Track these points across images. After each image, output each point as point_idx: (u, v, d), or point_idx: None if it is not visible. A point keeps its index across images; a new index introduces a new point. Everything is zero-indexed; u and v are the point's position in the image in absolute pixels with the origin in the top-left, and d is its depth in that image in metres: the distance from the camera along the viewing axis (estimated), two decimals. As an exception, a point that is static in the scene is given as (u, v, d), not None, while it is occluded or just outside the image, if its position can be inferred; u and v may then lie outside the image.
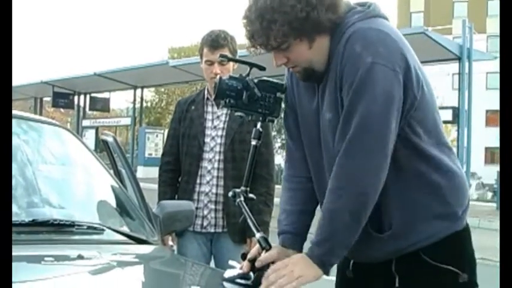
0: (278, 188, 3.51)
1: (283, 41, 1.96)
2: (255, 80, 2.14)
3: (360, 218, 1.93)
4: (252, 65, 2.20)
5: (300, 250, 2.13)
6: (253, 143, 2.17)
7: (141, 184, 2.83)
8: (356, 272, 2.22)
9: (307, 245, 2.07)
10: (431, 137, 2.04)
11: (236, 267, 2.11)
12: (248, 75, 2.17)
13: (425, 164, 2.02)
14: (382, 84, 1.87)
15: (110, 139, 2.89)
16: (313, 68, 2.03)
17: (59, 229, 2.22)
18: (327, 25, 1.96)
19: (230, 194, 2.18)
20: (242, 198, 2.14)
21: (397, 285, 2.07)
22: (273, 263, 2.02)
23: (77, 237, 2.26)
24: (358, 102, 1.88)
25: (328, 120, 2.01)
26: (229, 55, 3.41)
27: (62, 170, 2.80)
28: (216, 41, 3.45)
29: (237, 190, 2.16)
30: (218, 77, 2.19)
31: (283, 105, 2.20)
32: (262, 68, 2.19)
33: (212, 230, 3.52)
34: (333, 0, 1.95)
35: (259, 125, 2.15)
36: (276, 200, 3.62)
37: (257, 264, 2.05)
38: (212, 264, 3.51)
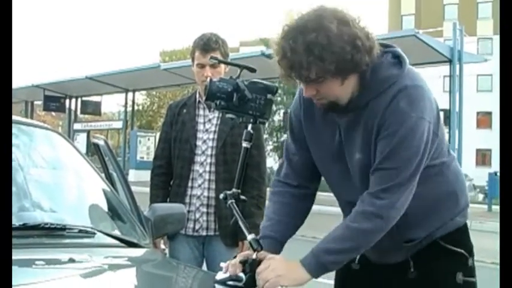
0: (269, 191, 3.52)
1: (322, 77, 2.01)
2: (246, 82, 2.14)
3: (376, 240, 2.14)
4: (242, 67, 2.20)
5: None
6: (244, 145, 2.17)
7: (133, 187, 2.82)
8: (363, 263, 2.40)
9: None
10: (438, 154, 2.24)
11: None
12: (238, 77, 2.17)
13: (442, 179, 2.27)
14: (422, 135, 2.07)
15: (101, 142, 2.89)
16: (338, 102, 2.12)
17: (50, 233, 2.21)
18: (363, 67, 2.05)
19: (221, 196, 2.18)
20: (233, 200, 2.14)
21: (411, 270, 2.31)
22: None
23: (68, 240, 2.25)
24: (401, 153, 2.07)
25: (358, 159, 2.17)
26: (221, 58, 3.41)
27: (52, 174, 2.79)
28: (207, 44, 3.45)
29: (228, 192, 2.16)
30: (208, 79, 2.19)
31: (274, 107, 2.20)
32: (252, 70, 2.19)
33: (204, 233, 3.51)
34: (371, 44, 2.05)
35: (250, 127, 2.15)
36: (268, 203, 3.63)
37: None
38: (204, 267, 3.50)
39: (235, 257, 2.15)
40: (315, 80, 2.03)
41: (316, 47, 1.95)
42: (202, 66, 3.45)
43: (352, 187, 2.21)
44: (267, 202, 3.54)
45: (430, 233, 2.29)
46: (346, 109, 2.14)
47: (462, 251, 2.32)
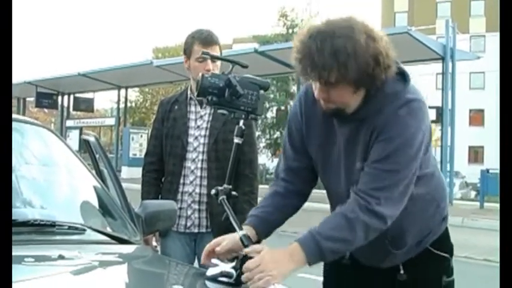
0: (262, 188, 3.51)
1: (340, 82, 2.06)
2: (238, 78, 2.13)
3: (370, 238, 2.18)
4: (234, 63, 2.19)
5: (261, 237, 2.28)
6: (236, 140, 2.16)
7: (126, 184, 2.81)
8: (354, 259, 2.45)
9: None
10: (427, 164, 2.33)
11: (219, 265, 2.11)
12: (230, 72, 2.16)
13: (424, 186, 2.33)
14: (419, 146, 2.17)
15: (91, 139, 2.87)
16: (345, 110, 2.18)
17: (39, 229, 2.19)
18: (376, 85, 2.13)
19: (213, 191, 2.18)
20: (225, 196, 2.14)
21: (401, 272, 2.39)
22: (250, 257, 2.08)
23: (58, 237, 2.24)
24: (399, 158, 2.14)
25: (358, 169, 2.22)
26: (219, 53, 3.40)
27: (43, 170, 2.77)
28: (209, 38, 3.44)
29: (220, 188, 2.16)
30: (200, 74, 2.18)
31: (265, 104, 2.20)
32: (244, 66, 2.18)
33: (196, 230, 3.50)
34: (390, 63, 2.11)
35: (241, 122, 2.15)
36: (260, 200, 3.62)
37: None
38: (196, 264, 3.49)
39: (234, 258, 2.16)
40: (330, 84, 2.07)
41: (343, 54, 2.00)
42: (203, 60, 3.41)
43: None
44: (259, 199, 3.55)
45: (419, 241, 2.38)
46: (348, 118, 2.20)
47: (447, 255, 2.46)
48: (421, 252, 2.40)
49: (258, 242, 2.22)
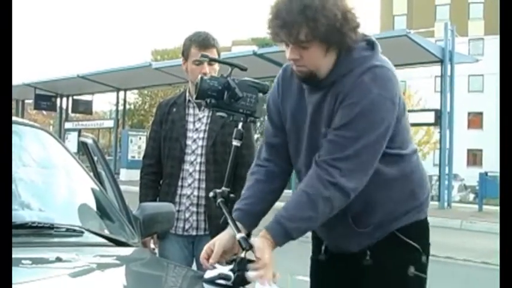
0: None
1: (310, 40, 2.10)
2: (236, 81, 2.13)
3: (334, 211, 2.18)
4: (233, 66, 2.19)
5: (249, 230, 2.30)
6: (235, 143, 2.16)
7: (124, 187, 2.81)
8: (328, 253, 2.48)
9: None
10: (401, 144, 2.31)
11: (217, 268, 2.11)
12: (230, 75, 2.16)
13: (398, 167, 2.30)
14: (384, 114, 2.15)
15: (89, 141, 2.87)
16: (316, 74, 2.20)
17: (37, 232, 2.19)
18: (346, 43, 2.15)
19: (211, 194, 2.18)
20: (223, 199, 2.13)
21: (367, 258, 2.35)
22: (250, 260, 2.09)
23: (55, 239, 2.24)
24: (360, 124, 2.13)
25: (323, 133, 2.22)
26: (217, 55, 3.40)
27: (41, 173, 2.77)
28: (207, 41, 3.44)
29: (218, 191, 2.16)
30: (199, 77, 2.18)
31: (264, 106, 2.21)
32: (243, 69, 2.18)
33: (194, 233, 3.50)
34: (357, 24, 2.16)
35: (240, 125, 2.15)
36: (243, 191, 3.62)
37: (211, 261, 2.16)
38: (194, 267, 3.48)
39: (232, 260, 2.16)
40: (302, 43, 2.10)
41: (311, 9, 2.05)
42: (200, 63, 3.42)
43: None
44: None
45: (382, 224, 2.33)
46: (319, 85, 2.22)
47: (416, 245, 2.36)
48: (389, 237, 2.34)
49: (248, 235, 2.24)
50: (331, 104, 2.20)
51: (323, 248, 2.48)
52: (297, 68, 2.20)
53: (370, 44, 2.25)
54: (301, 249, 2.85)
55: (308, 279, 2.57)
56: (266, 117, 2.44)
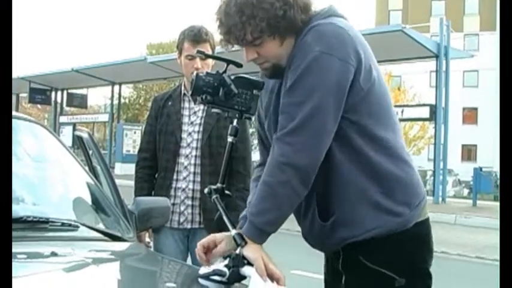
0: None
1: (258, 37, 2.05)
2: (232, 77, 2.13)
3: (299, 193, 2.02)
4: (229, 62, 2.19)
5: None
6: (230, 139, 2.16)
7: (120, 181, 2.80)
8: (328, 271, 2.32)
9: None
10: (380, 124, 2.09)
11: (212, 264, 2.11)
12: (225, 71, 2.16)
13: (371, 145, 2.07)
14: (331, 74, 1.98)
15: (84, 135, 2.87)
16: (280, 65, 2.12)
17: (32, 226, 2.19)
18: (298, 25, 2.07)
19: (206, 190, 2.17)
20: (218, 195, 2.13)
21: (343, 282, 2.16)
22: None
23: (51, 234, 2.23)
24: (302, 86, 1.99)
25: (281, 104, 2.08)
26: (210, 51, 3.40)
27: (36, 167, 2.76)
28: (198, 36, 3.43)
29: (213, 187, 2.15)
30: (195, 73, 2.17)
31: (259, 103, 2.20)
32: (239, 65, 2.18)
33: (189, 226, 3.51)
34: (306, 2, 2.08)
35: (235, 121, 2.15)
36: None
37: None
38: (189, 260, 3.49)
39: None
40: (253, 42, 2.07)
41: (247, 6, 2.02)
42: (192, 58, 3.42)
43: None
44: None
45: (345, 220, 2.07)
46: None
47: (386, 271, 2.06)
48: (356, 262, 2.08)
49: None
50: (286, 79, 2.08)
51: (325, 267, 2.34)
52: (260, 66, 2.16)
53: (327, 17, 2.11)
54: (299, 243, 2.84)
55: (305, 273, 2.55)
56: (255, 119, 2.37)
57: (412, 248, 2.10)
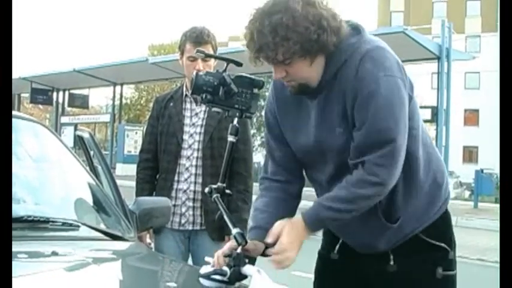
0: (256, 186, 3.51)
1: (289, 57, 2.04)
2: (232, 76, 2.13)
3: (374, 203, 2.17)
4: (229, 61, 2.19)
5: None
6: (230, 139, 2.16)
7: (121, 181, 2.80)
8: (342, 252, 2.41)
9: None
10: (416, 124, 2.23)
11: (212, 263, 2.11)
12: (225, 71, 2.16)
13: (421, 150, 2.24)
14: (399, 93, 2.09)
15: (85, 135, 2.87)
16: (308, 84, 2.13)
17: (33, 225, 2.19)
18: (329, 49, 2.08)
19: (206, 190, 2.17)
20: (218, 195, 2.13)
21: (391, 263, 2.30)
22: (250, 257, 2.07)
23: (51, 233, 2.24)
24: (383, 113, 2.06)
25: (339, 134, 2.15)
26: (212, 51, 3.40)
27: (37, 166, 2.77)
28: (200, 37, 3.43)
29: (214, 186, 2.15)
30: (194, 72, 2.18)
31: (261, 102, 2.20)
32: (239, 64, 2.18)
33: (190, 228, 3.50)
34: (338, 24, 2.08)
35: (235, 121, 2.15)
36: (255, 198, 3.62)
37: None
38: (190, 262, 3.49)
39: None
40: (283, 62, 2.06)
41: (282, 27, 1.99)
42: (194, 59, 3.42)
43: (329, 171, 2.24)
44: (254, 197, 3.54)
45: (411, 217, 2.26)
46: (316, 90, 2.16)
47: (443, 244, 2.31)
48: (413, 240, 2.27)
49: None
50: (340, 103, 2.13)
51: (337, 246, 2.41)
52: (287, 83, 2.16)
53: (355, 29, 2.17)
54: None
55: (306, 275, 2.55)
56: (267, 131, 2.39)
57: (451, 223, 2.41)
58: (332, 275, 2.47)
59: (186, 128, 3.51)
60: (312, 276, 2.50)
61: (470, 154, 46.96)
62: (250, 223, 2.29)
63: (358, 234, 2.30)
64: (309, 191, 2.51)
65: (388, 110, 2.06)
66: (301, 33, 2.00)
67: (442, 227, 2.34)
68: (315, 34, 2.02)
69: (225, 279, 2.04)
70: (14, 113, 2.91)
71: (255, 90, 2.16)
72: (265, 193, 2.34)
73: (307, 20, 2.00)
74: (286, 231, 2.10)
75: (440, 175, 2.32)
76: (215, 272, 2.05)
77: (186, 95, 3.56)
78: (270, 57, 2.04)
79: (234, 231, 2.08)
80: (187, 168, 3.48)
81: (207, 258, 2.15)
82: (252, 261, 2.10)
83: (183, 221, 3.49)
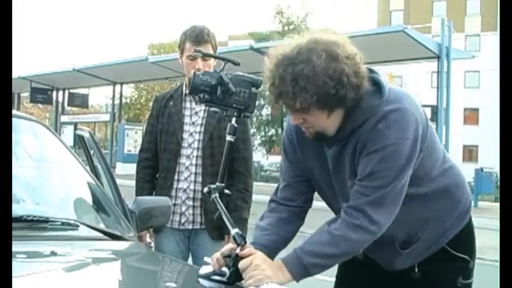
0: (256, 185, 3.51)
1: (307, 107, 2.07)
2: (230, 75, 2.13)
3: (359, 251, 2.25)
4: (226, 60, 2.19)
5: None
6: (228, 138, 2.16)
7: (120, 181, 2.80)
8: (367, 254, 2.44)
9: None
10: (433, 163, 2.30)
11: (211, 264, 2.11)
12: (222, 70, 2.16)
13: (433, 183, 2.30)
14: (406, 156, 2.12)
15: (85, 134, 2.86)
16: (325, 133, 2.17)
17: (32, 225, 2.19)
18: (347, 104, 2.10)
19: (205, 189, 2.17)
20: (217, 194, 2.13)
21: (416, 270, 2.37)
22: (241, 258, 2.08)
23: (51, 233, 2.23)
24: (382, 172, 2.11)
25: (349, 187, 2.20)
26: (212, 51, 3.39)
27: (37, 166, 2.77)
28: (200, 36, 3.43)
29: (212, 186, 2.15)
30: (192, 72, 2.18)
31: (261, 101, 2.21)
32: (236, 63, 2.18)
33: (190, 227, 3.50)
34: (359, 81, 2.09)
35: (234, 120, 2.15)
36: (255, 197, 3.62)
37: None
38: (190, 261, 3.49)
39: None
40: (300, 110, 2.09)
41: (302, 78, 2.02)
42: (193, 58, 3.41)
43: (340, 202, 2.27)
44: (253, 196, 3.54)
45: (434, 241, 2.34)
46: (332, 140, 2.19)
47: (466, 256, 2.40)
48: (438, 251, 2.36)
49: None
50: (351, 156, 2.18)
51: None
52: (304, 129, 2.19)
53: (376, 84, 2.18)
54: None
55: (330, 279, 2.55)
56: (283, 154, 2.42)
57: (474, 234, 2.48)
58: (356, 276, 2.51)
59: (186, 127, 3.51)
60: (324, 278, 2.51)
61: (470, 153, 46.93)
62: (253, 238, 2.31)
63: (374, 253, 2.40)
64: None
65: (387, 171, 2.11)
66: (320, 86, 2.02)
67: (466, 239, 2.43)
68: (333, 89, 2.03)
69: (224, 279, 2.04)
70: (13, 112, 2.90)
71: (253, 90, 2.16)
72: (270, 214, 2.37)
73: (327, 74, 2.02)
74: (261, 254, 2.11)
75: (460, 195, 2.39)
76: (214, 273, 2.05)
77: (186, 94, 3.56)
78: (289, 105, 2.08)
79: (233, 231, 2.08)
80: (187, 167, 3.48)
81: (206, 259, 2.15)
82: None
83: (183, 220, 3.49)
